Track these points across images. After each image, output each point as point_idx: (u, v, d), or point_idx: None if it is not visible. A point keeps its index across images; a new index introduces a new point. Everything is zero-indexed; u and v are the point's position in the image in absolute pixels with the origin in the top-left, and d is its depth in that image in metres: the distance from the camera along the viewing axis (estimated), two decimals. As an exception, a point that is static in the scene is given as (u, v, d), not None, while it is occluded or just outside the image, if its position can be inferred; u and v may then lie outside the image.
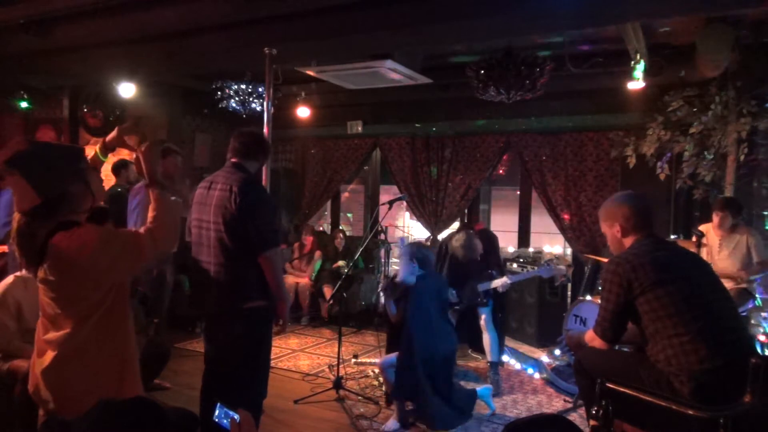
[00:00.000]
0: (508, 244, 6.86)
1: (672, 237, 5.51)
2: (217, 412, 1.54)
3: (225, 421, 1.52)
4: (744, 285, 4.45)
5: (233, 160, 2.90)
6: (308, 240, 7.03)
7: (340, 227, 7.73)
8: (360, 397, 4.27)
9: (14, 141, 2.12)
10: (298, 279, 6.74)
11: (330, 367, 4.91)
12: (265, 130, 4.29)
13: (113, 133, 2.52)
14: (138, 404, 1.53)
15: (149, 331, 4.08)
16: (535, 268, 5.73)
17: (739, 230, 4.48)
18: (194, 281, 3.01)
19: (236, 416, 1.52)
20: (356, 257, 5.04)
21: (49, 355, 2.01)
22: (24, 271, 3.01)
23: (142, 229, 2.04)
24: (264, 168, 4.04)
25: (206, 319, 2.97)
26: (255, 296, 2.76)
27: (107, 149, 3.02)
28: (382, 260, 7.27)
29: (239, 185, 2.71)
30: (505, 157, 7.09)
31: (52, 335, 2.01)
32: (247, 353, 2.78)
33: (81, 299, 1.98)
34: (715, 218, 4.47)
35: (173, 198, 2.14)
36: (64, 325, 1.99)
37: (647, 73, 4.56)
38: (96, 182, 2.13)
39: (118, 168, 5.34)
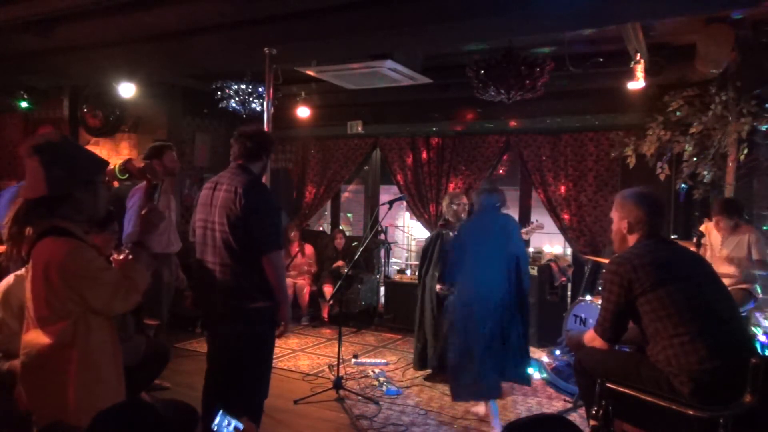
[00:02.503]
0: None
1: (672, 237, 5.51)
2: (217, 420, 1.47)
3: (225, 429, 1.46)
4: (744, 285, 4.45)
5: (238, 162, 2.91)
6: (294, 235, 7.03)
7: (340, 227, 7.73)
8: (360, 397, 4.27)
9: (51, 132, 2.16)
10: (296, 279, 6.74)
11: (330, 367, 4.92)
12: (265, 130, 4.29)
13: (141, 164, 2.74)
14: (134, 407, 1.53)
15: (148, 332, 4.08)
16: (535, 268, 5.77)
17: (741, 230, 4.48)
18: (195, 281, 3.01)
19: (240, 426, 1.45)
20: (356, 257, 5.03)
21: (22, 358, 2.04)
22: (24, 271, 3.02)
23: (115, 275, 2.05)
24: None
25: (209, 319, 2.97)
26: (258, 297, 2.77)
27: (127, 171, 3.09)
28: (382, 260, 7.28)
29: (244, 187, 2.73)
30: (505, 157, 7.09)
31: (28, 336, 2.04)
32: (250, 353, 2.79)
33: (43, 309, 1.98)
34: (715, 221, 4.49)
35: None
36: (35, 329, 2.01)
37: (647, 73, 4.56)
38: (103, 198, 2.15)
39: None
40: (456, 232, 3.95)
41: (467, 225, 4.10)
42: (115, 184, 4.53)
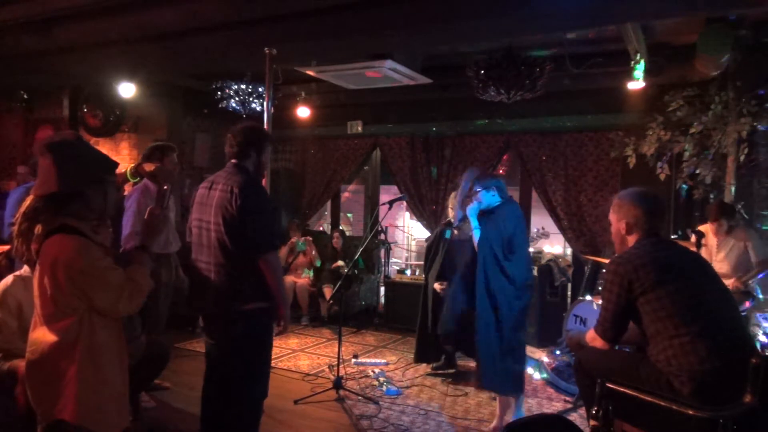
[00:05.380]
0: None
1: (672, 237, 5.51)
2: None
3: None
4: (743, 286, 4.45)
5: (232, 161, 2.90)
6: (295, 235, 7.04)
7: (340, 227, 7.74)
8: (360, 397, 4.27)
9: (65, 131, 2.21)
10: (296, 279, 6.74)
11: (330, 367, 4.92)
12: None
13: (152, 168, 3.13)
14: None
15: (146, 331, 4.08)
16: (535, 267, 5.77)
17: (736, 233, 4.49)
18: (193, 281, 3.00)
19: None
20: (356, 257, 5.03)
21: (28, 355, 2.05)
22: (23, 271, 3.02)
23: (120, 276, 2.06)
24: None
25: (206, 320, 2.96)
26: (254, 297, 2.75)
27: (138, 174, 3.09)
28: (382, 260, 7.29)
29: (240, 187, 2.70)
30: (505, 157, 7.09)
31: (35, 334, 2.05)
32: (247, 354, 2.78)
33: (49, 306, 2.00)
34: (711, 226, 4.49)
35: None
36: (41, 326, 2.03)
37: (647, 73, 4.57)
38: (112, 199, 2.17)
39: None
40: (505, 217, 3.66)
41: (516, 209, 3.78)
42: (127, 187, 4.55)
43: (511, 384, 3.62)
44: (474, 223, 3.70)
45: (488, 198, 3.69)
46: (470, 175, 3.93)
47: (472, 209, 3.71)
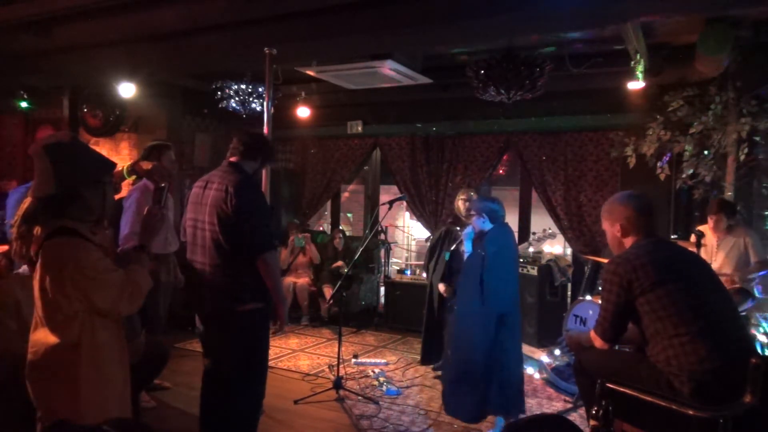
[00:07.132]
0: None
1: (672, 237, 5.51)
2: None
3: None
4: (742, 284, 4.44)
5: (231, 159, 2.87)
6: (293, 235, 7.05)
7: (340, 227, 7.74)
8: (360, 397, 4.27)
9: (61, 132, 2.20)
10: (296, 279, 6.74)
11: (330, 367, 4.92)
12: (265, 130, 4.29)
13: (149, 166, 3.11)
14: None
15: (146, 331, 4.07)
16: (535, 268, 5.78)
17: (736, 231, 4.48)
18: (190, 282, 2.99)
19: None
20: (356, 257, 5.03)
21: (29, 356, 2.05)
22: (22, 270, 3.02)
23: (120, 277, 2.06)
24: (264, 169, 4.03)
25: (203, 320, 2.94)
26: (251, 298, 2.73)
27: (134, 172, 3.09)
28: (382, 260, 7.29)
29: (235, 186, 2.68)
30: (505, 157, 7.08)
31: (36, 335, 2.05)
32: (244, 355, 2.77)
33: (49, 308, 2.00)
34: (710, 221, 4.49)
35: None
36: (42, 327, 2.03)
37: (647, 73, 4.56)
38: (111, 199, 2.18)
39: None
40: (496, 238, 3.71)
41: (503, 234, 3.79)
42: (124, 185, 4.54)
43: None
44: (468, 247, 3.86)
45: (479, 223, 3.78)
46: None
47: (467, 234, 3.88)
